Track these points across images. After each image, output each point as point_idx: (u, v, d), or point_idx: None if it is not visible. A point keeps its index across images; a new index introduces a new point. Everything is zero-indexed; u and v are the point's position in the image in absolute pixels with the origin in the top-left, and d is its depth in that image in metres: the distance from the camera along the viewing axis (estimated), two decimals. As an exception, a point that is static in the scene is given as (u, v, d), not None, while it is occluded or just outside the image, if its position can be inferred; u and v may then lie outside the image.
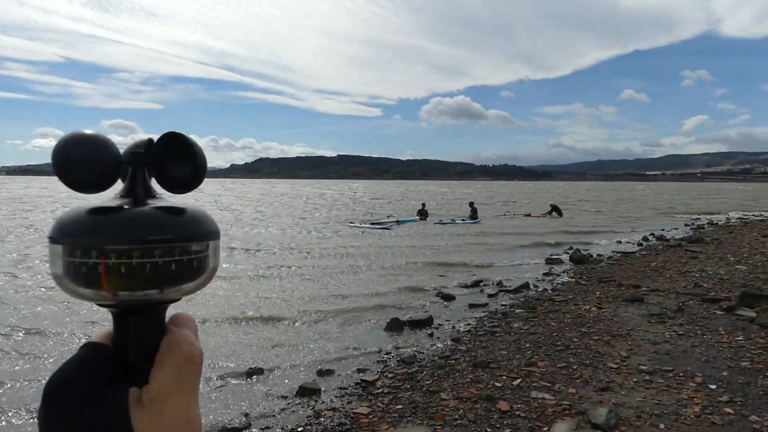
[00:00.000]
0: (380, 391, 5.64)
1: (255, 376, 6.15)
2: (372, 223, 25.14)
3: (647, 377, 5.63)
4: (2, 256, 14.36)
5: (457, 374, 5.95)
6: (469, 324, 8.24)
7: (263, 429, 4.95)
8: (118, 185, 0.54)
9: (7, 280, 11.23)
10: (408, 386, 5.69)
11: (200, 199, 45.51)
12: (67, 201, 42.06)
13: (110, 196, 0.54)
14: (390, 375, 6.10)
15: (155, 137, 0.56)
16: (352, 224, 25.41)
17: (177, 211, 0.53)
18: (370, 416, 5.01)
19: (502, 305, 9.45)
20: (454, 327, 8.11)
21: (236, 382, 6.02)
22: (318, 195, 65.05)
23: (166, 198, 0.55)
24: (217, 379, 6.05)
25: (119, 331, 0.53)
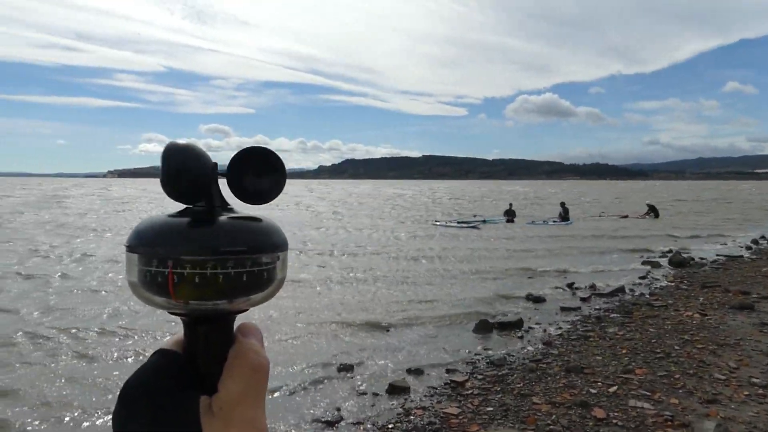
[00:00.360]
0: (470, 392, 5.60)
1: (345, 373, 6.29)
2: (458, 222, 24.94)
3: (760, 391, 5.23)
4: (109, 250, 15.54)
5: (549, 378, 5.80)
6: (560, 328, 8.01)
7: (355, 424, 5.06)
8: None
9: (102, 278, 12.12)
10: (498, 388, 5.62)
11: (283, 201, 46.96)
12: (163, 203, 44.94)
13: (187, 206, 0.55)
14: (479, 376, 6.04)
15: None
16: (437, 223, 25.34)
17: (249, 224, 0.54)
18: (460, 417, 4.99)
19: (595, 309, 9.11)
20: (545, 330, 7.91)
21: (327, 377, 6.18)
22: (397, 195, 65.19)
23: (240, 209, 0.57)
24: (308, 374, 6.25)
25: (190, 340, 0.55)
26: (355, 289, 10.86)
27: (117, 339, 7.52)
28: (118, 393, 0.51)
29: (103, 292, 10.29)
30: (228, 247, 0.51)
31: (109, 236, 19.53)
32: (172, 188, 0.53)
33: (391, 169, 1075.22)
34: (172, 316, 0.53)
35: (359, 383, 6.02)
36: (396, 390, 5.72)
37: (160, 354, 0.54)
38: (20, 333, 7.64)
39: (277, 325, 8.08)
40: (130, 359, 6.73)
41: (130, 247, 0.53)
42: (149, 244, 0.52)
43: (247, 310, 0.55)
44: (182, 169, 0.53)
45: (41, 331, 7.80)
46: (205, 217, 0.54)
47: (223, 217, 0.54)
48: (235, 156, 0.56)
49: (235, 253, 0.52)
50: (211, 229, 0.52)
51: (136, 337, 7.60)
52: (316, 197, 53.64)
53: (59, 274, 12.00)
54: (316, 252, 15.82)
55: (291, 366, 6.48)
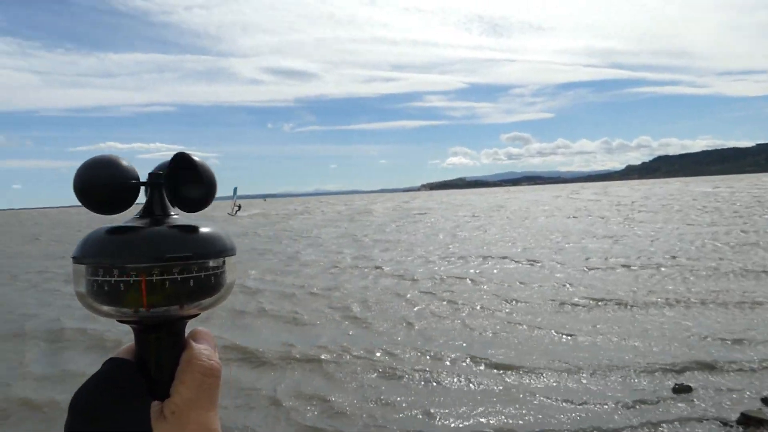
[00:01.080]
0: None
1: (683, 394, 5.68)
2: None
3: None
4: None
5: None
6: None
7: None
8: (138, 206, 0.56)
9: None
10: None
11: (564, 206, 44.02)
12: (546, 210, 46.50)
13: (130, 216, 0.56)
14: None
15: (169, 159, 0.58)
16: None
17: (193, 229, 0.54)
18: None
19: None
20: None
21: (660, 398, 5.66)
22: (710, 194, 55.59)
23: (182, 217, 0.57)
24: (634, 390, 5.83)
25: (141, 347, 0.55)
26: (679, 311, 9.73)
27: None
28: (68, 404, 0.52)
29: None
30: (173, 253, 0.52)
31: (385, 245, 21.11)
32: (86, 200, 0.53)
33: (714, 162, 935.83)
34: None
35: (701, 408, 5.36)
36: (751, 421, 4.92)
37: (111, 362, 0.54)
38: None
39: (602, 349, 7.76)
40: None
41: (77, 258, 0.54)
42: (95, 255, 0.52)
43: (198, 315, 0.55)
44: (96, 182, 0.53)
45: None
46: (148, 225, 0.54)
47: (167, 225, 0.55)
48: (167, 165, 0.57)
49: (180, 259, 0.52)
50: (154, 236, 0.53)
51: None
52: (609, 202, 49.03)
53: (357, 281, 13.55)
54: (618, 265, 14.65)
55: (616, 379, 6.15)
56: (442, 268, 14.35)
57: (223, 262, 0.56)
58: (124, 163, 0.55)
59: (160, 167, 0.58)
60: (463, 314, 9.42)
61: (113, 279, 0.51)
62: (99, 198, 0.54)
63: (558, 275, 12.69)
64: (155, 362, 0.55)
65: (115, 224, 0.55)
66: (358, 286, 12.38)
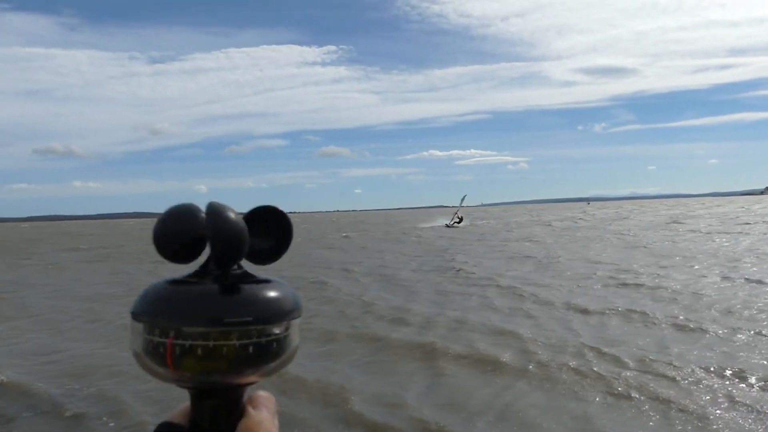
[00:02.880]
0: None
1: None
2: None
3: None
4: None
5: None
6: None
7: None
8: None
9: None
10: None
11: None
12: None
13: (193, 268, 0.54)
14: None
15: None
16: None
17: (256, 290, 0.52)
18: None
19: None
20: None
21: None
22: None
23: (248, 271, 0.55)
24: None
25: (196, 412, 0.53)
26: None
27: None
28: None
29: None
30: (232, 318, 0.49)
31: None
32: (159, 250, 0.52)
33: None
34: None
35: None
36: None
37: (165, 427, 0.53)
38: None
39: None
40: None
41: (135, 315, 0.52)
42: (151, 313, 0.51)
43: (257, 382, 0.53)
44: (168, 233, 0.52)
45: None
46: (209, 282, 0.52)
47: (230, 283, 0.52)
48: (245, 215, 0.55)
49: (240, 324, 0.50)
50: (214, 297, 0.51)
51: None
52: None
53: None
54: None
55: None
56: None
57: (287, 326, 0.53)
58: (199, 214, 0.52)
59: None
60: None
61: (168, 341, 0.49)
62: (170, 248, 0.52)
63: None
64: (210, 430, 0.53)
65: (177, 277, 0.53)
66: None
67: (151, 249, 0.53)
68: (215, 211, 0.51)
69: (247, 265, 0.55)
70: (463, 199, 54.11)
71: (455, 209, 52.15)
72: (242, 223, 0.52)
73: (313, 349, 8.20)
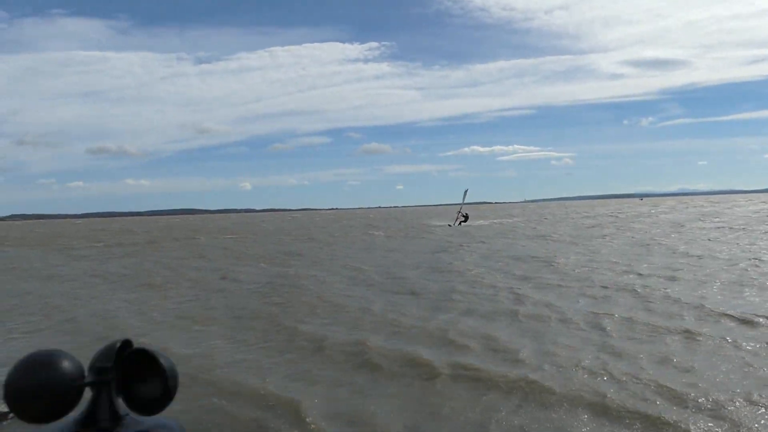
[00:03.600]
0: None
1: None
2: None
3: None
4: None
5: None
6: None
7: None
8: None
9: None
10: None
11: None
12: None
13: (68, 423, 0.48)
14: None
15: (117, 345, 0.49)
16: None
17: None
18: None
19: None
20: None
21: None
22: None
23: (134, 419, 0.49)
24: None
25: None
26: None
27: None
28: None
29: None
30: None
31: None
32: (18, 411, 0.46)
33: None
34: None
35: None
36: None
37: None
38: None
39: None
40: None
41: None
42: None
43: None
44: (29, 387, 0.45)
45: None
46: None
47: None
48: (123, 357, 0.49)
49: None
50: None
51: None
52: None
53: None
54: None
55: None
56: None
57: None
58: (65, 362, 0.44)
59: (106, 358, 0.46)
60: None
61: None
62: (33, 406, 0.44)
63: None
64: None
65: None
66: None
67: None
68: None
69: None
70: (465, 194, 49.89)
71: (458, 206, 48.90)
72: (169, 361, 0.48)
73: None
